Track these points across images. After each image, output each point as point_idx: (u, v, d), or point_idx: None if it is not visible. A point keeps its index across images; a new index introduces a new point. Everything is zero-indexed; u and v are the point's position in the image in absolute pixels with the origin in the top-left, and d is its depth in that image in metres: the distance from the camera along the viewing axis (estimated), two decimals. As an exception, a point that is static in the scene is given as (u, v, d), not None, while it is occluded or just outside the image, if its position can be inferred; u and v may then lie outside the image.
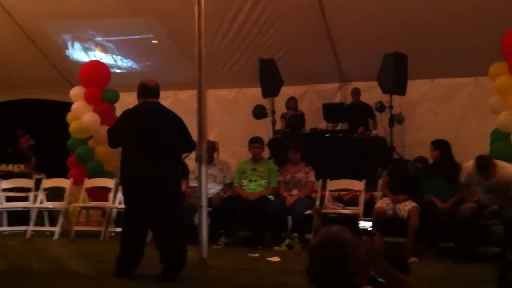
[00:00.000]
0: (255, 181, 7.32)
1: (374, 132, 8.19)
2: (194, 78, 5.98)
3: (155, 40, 9.37)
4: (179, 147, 5.48)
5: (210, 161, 7.32)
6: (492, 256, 5.81)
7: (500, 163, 5.96)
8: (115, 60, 9.85)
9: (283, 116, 9.15)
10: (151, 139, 5.19)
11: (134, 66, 9.97)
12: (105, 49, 9.67)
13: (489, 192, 6.04)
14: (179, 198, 5.63)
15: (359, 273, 1.94)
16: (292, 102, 9.18)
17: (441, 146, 6.62)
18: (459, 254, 5.99)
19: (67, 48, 9.71)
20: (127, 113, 5.60)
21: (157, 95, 5.41)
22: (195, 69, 5.92)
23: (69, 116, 8.49)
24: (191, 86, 6.87)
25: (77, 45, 9.66)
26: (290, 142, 7.90)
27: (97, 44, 9.61)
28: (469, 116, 8.39)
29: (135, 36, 9.46)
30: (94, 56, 9.63)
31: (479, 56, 7.53)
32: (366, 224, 2.34)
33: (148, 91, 5.39)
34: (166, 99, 10.13)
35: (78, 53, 9.74)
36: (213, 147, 7.76)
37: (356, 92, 8.93)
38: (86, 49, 9.67)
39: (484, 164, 5.92)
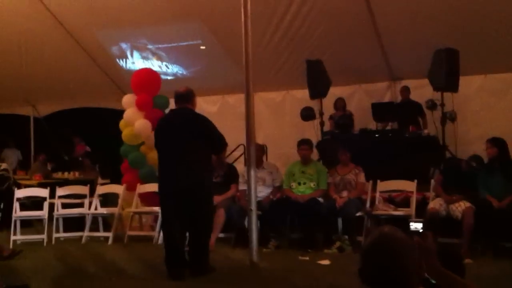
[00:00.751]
0: (304, 183, 7.27)
1: (425, 131, 8.00)
2: (241, 81, 6.01)
3: (203, 45, 9.48)
4: (207, 149, 5.57)
5: (259, 164, 7.36)
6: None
7: None
8: (165, 67, 10.04)
9: (331, 117, 9.09)
10: (173, 146, 5.50)
11: (183, 72, 10.13)
12: (159, 58, 9.89)
13: None
14: (211, 200, 5.79)
15: (415, 273, 1.90)
16: (340, 103, 9.11)
17: (499, 144, 6.42)
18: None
19: (126, 57, 9.96)
20: (159, 120, 5.98)
21: (185, 101, 5.63)
22: (242, 72, 5.96)
23: (121, 123, 8.70)
24: (239, 89, 6.91)
25: (135, 54, 9.90)
26: (339, 143, 7.83)
27: (153, 53, 9.82)
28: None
29: (184, 43, 9.60)
30: (151, 64, 9.84)
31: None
32: (417, 226, 2.31)
33: (177, 98, 5.72)
34: (215, 103, 10.33)
35: (136, 62, 9.98)
36: (262, 150, 7.78)
37: (405, 90, 8.79)
38: (144, 58, 9.91)
39: None
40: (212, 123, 5.63)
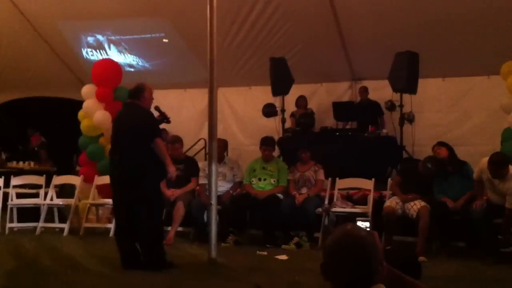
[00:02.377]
0: (265, 179, 7.31)
1: (384, 131, 8.16)
2: (205, 76, 5.97)
3: (166, 39, 9.40)
4: (142, 140, 5.42)
5: (221, 159, 7.37)
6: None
7: None
8: (127, 59, 9.91)
9: (292, 115, 9.16)
10: (116, 141, 5.59)
11: (145, 65, 10.02)
12: (122, 49, 9.75)
13: (497, 193, 5.99)
14: (153, 194, 5.52)
15: (377, 270, 1.93)
16: (302, 101, 9.19)
17: (447, 146, 6.59)
18: (474, 253, 5.94)
19: (87, 46, 9.78)
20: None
21: (133, 96, 5.60)
22: (206, 67, 5.92)
23: (80, 114, 8.54)
24: (202, 84, 6.87)
25: (97, 44, 9.73)
26: (300, 141, 7.90)
27: (116, 44, 9.67)
28: (480, 115, 8.34)
29: (146, 35, 9.51)
30: (112, 55, 9.68)
31: (492, 55, 7.49)
32: (364, 224, 2.35)
33: (128, 94, 5.81)
34: (176, 97, 10.24)
35: (98, 53, 9.81)
36: (224, 145, 7.76)
37: (364, 90, 8.95)
38: (106, 49, 9.75)
39: (499, 162, 5.80)
40: (149, 116, 5.51)
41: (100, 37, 9.62)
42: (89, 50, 9.86)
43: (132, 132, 5.43)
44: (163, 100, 8.80)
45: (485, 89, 8.23)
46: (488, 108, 8.09)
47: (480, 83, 8.37)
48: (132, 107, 5.62)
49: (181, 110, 9.80)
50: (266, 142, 7.44)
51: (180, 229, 7.22)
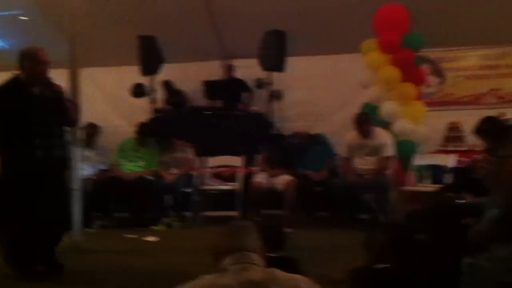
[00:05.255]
0: (135, 162, 7.16)
1: (254, 108, 8.25)
2: (68, 56, 5.66)
3: (24, 16, 8.79)
4: None
5: (91, 144, 7.11)
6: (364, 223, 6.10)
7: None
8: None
9: None
10: None
11: (2, 45, 9.34)
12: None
13: (367, 154, 6.31)
14: None
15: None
16: None
17: None
18: (336, 222, 6.22)
19: None
20: None
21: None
22: (70, 45, 5.61)
23: None
24: (66, 65, 6.52)
25: None
26: (171, 121, 7.81)
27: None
28: (344, 91, 8.66)
29: (2, 13, 8.83)
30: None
31: (355, 33, 7.75)
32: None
33: None
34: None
35: None
36: (95, 131, 7.46)
37: (229, 68, 8.90)
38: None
39: (362, 115, 6.43)
40: None
41: None
42: None
43: None
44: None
45: (348, 66, 8.54)
46: (351, 85, 8.41)
47: (344, 61, 8.66)
48: None
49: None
50: (143, 132, 7.38)
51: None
